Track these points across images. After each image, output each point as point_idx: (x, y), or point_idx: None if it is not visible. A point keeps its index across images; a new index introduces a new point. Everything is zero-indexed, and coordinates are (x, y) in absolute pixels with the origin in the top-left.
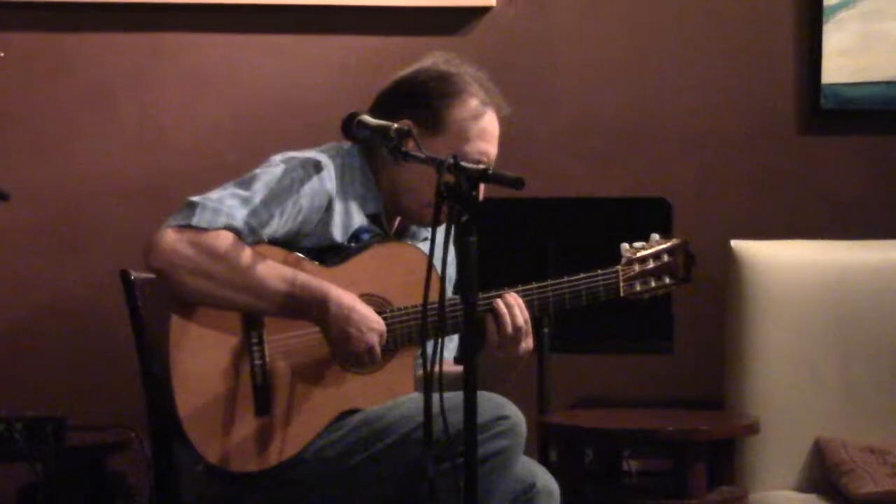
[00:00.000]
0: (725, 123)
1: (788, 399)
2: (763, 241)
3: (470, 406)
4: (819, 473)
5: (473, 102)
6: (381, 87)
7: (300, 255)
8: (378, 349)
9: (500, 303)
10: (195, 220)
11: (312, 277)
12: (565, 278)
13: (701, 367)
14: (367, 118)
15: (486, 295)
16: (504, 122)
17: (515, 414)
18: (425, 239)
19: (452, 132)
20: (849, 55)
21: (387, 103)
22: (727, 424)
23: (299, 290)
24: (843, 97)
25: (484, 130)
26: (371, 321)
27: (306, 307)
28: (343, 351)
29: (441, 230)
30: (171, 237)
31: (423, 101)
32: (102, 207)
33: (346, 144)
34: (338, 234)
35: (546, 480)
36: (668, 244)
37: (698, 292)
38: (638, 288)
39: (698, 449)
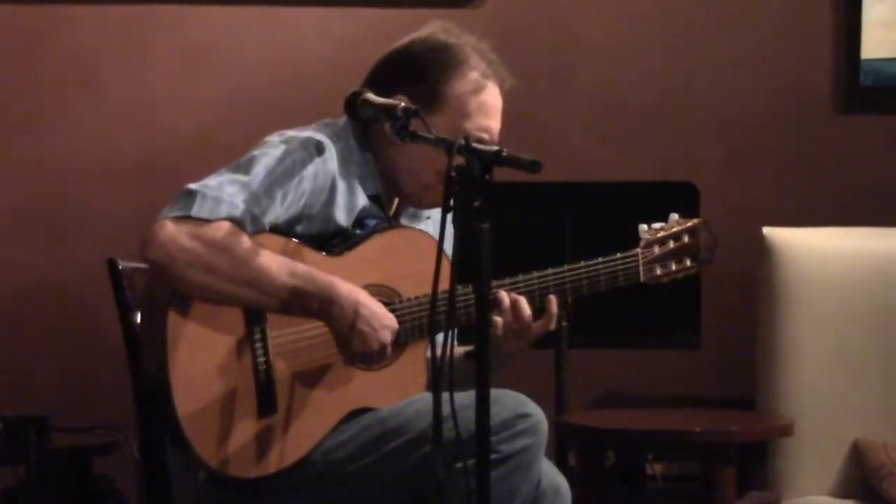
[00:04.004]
0: (757, 102)
1: (825, 398)
2: (797, 229)
3: (483, 403)
4: (857, 477)
5: (473, 75)
6: (375, 61)
7: (302, 243)
8: (390, 347)
9: (504, 294)
10: (195, 211)
11: (319, 271)
12: (582, 263)
13: (730, 363)
14: (372, 97)
15: (499, 283)
16: (507, 95)
17: (537, 412)
18: (428, 218)
19: (451, 108)
20: (890, 28)
21: (380, 78)
22: (759, 425)
23: (306, 284)
24: (883, 73)
25: (485, 105)
26: (383, 317)
27: (313, 302)
28: (352, 348)
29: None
30: (169, 229)
31: (419, 74)
32: (88, 190)
33: (341, 121)
34: (342, 216)
35: (552, 478)
36: (689, 224)
37: (727, 283)
38: (658, 271)
39: (728, 452)
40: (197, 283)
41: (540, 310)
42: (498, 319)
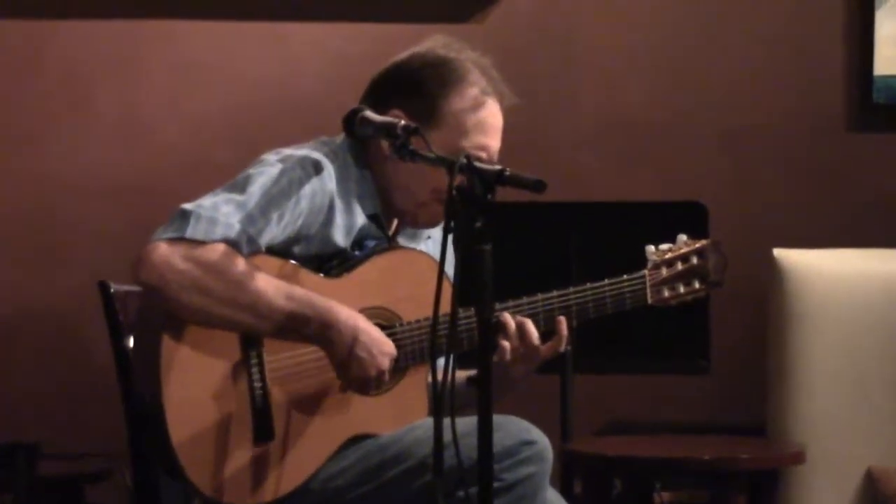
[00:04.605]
0: (767, 119)
1: (837, 424)
2: (808, 250)
3: (485, 429)
4: None
5: (472, 91)
6: (374, 75)
7: (299, 264)
8: (388, 374)
9: (508, 317)
10: (189, 233)
11: (317, 295)
12: (588, 285)
13: (740, 388)
14: (371, 114)
15: (502, 306)
16: (509, 113)
17: (541, 439)
18: (429, 238)
19: (448, 124)
20: None
21: (377, 92)
22: (770, 452)
23: (304, 308)
24: None
25: (483, 122)
26: (382, 344)
27: (311, 327)
28: (349, 375)
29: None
30: (163, 251)
31: (416, 89)
32: (79, 211)
33: (339, 139)
34: (340, 236)
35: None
36: (697, 245)
37: (737, 306)
38: (666, 294)
39: (738, 480)
40: (191, 305)
41: (546, 332)
42: (505, 343)
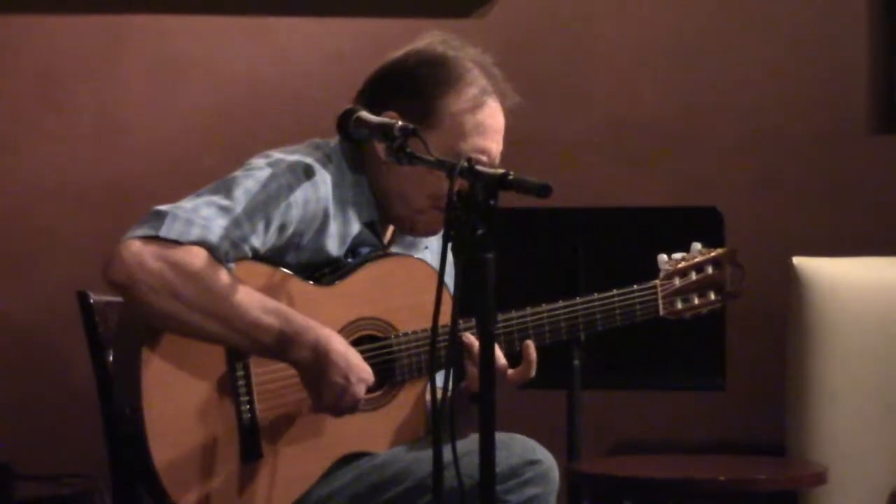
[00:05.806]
0: (787, 121)
1: (860, 443)
2: (830, 258)
3: (488, 448)
4: None
5: (472, 91)
6: (369, 74)
7: (288, 272)
8: (361, 403)
9: (472, 337)
10: (163, 232)
11: (297, 313)
12: (596, 295)
13: (758, 405)
14: (367, 115)
15: (506, 316)
16: (513, 113)
17: (547, 458)
18: (426, 248)
19: (445, 126)
20: None
21: (372, 92)
22: (789, 473)
23: (281, 324)
24: None
25: (482, 124)
26: (359, 370)
27: (285, 345)
28: (322, 399)
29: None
30: (134, 248)
31: (412, 89)
32: (56, 217)
33: (333, 141)
34: (333, 245)
35: None
36: (713, 254)
37: (755, 318)
38: (679, 306)
39: (755, 501)
40: (160, 310)
41: (519, 354)
42: (473, 370)
